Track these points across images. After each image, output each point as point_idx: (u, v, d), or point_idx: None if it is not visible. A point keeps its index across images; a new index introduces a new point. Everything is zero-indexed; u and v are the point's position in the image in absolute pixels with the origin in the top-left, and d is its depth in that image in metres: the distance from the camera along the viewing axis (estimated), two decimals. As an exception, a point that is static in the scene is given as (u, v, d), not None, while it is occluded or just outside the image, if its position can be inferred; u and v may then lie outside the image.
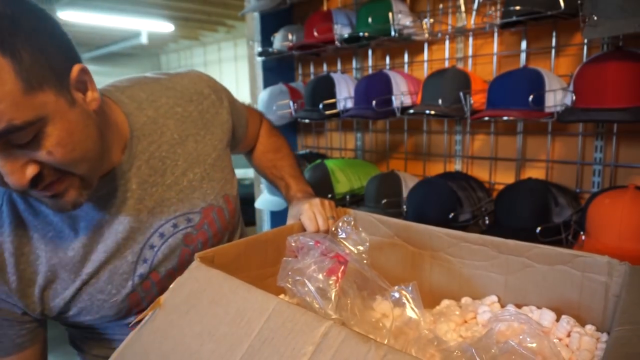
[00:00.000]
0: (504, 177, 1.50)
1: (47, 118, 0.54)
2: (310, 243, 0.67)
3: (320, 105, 1.64)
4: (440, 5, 1.56)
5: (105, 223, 0.70)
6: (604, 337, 0.61)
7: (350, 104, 1.65)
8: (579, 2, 1.10)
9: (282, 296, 0.67)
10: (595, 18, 1.01)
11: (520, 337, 0.54)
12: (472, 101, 1.32)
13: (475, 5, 1.36)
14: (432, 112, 1.34)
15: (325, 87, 1.68)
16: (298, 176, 0.99)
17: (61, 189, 0.59)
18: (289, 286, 0.61)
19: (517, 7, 1.18)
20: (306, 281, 0.60)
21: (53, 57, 0.55)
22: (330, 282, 0.61)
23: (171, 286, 0.64)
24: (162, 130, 0.76)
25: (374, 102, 1.48)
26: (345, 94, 1.67)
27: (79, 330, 0.79)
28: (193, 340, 0.57)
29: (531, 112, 1.18)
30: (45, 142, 0.54)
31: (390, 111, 1.50)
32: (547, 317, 0.67)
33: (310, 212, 0.83)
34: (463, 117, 1.33)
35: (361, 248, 0.69)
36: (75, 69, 0.59)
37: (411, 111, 1.40)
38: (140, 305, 0.75)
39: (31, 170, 0.55)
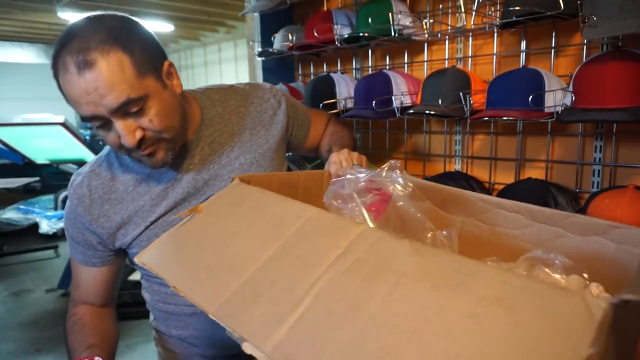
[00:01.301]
0: (503, 177, 1.50)
1: (149, 95, 0.78)
2: (361, 175, 0.69)
3: (320, 105, 1.64)
4: (440, 6, 1.56)
5: (170, 186, 0.92)
6: None
7: (350, 104, 1.66)
8: (578, 2, 1.10)
9: None
10: (595, 18, 1.01)
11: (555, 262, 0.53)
12: (472, 101, 1.32)
13: (475, 6, 1.36)
14: (432, 112, 1.34)
15: (325, 87, 1.68)
16: (343, 144, 1.10)
17: (154, 149, 0.82)
18: (335, 204, 0.63)
19: (517, 8, 1.18)
20: (356, 196, 0.61)
21: (153, 54, 0.80)
22: (370, 217, 0.62)
23: (211, 197, 0.71)
24: (226, 122, 0.98)
25: (373, 103, 1.48)
26: (345, 94, 1.67)
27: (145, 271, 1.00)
28: (228, 237, 0.60)
29: (531, 112, 1.18)
30: (148, 112, 0.78)
31: (390, 111, 1.50)
32: (575, 281, 0.64)
33: (336, 158, 0.94)
34: (463, 117, 1.33)
35: (404, 192, 0.71)
36: (166, 63, 0.84)
37: (411, 111, 1.41)
38: None
39: (139, 133, 0.78)
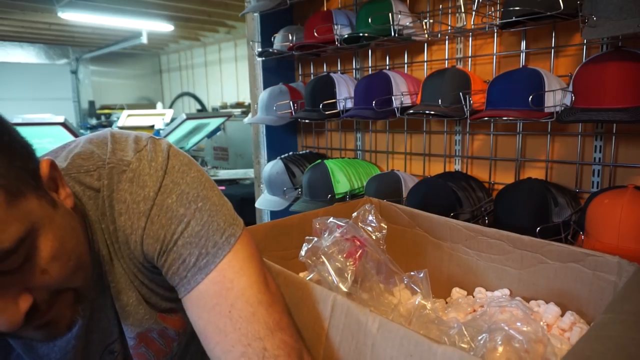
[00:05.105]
0: (503, 177, 1.50)
1: (36, 228, 0.43)
2: (333, 226, 0.72)
3: (320, 106, 1.64)
4: (440, 6, 1.56)
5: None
6: None
7: (350, 104, 1.66)
8: (578, 2, 1.10)
9: (302, 274, 0.70)
10: (595, 18, 1.02)
11: (518, 324, 0.57)
12: (472, 101, 1.32)
13: (475, 6, 1.36)
14: (432, 112, 1.34)
15: (325, 87, 1.68)
16: None
17: (54, 314, 0.47)
18: (309, 262, 0.66)
19: (517, 8, 1.18)
20: (324, 259, 0.65)
21: (21, 155, 0.44)
22: (349, 263, 0.65)
23: None
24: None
25: (373, 103, 1.48)
26: (345, 94, 1.67)
27: None
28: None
29: (531, 112, 1.18)
30: (38, 259, 0.43)
31: (390, 111, 1.50)
32: (551, 311, 0.69)
33: None
34: (463, 117, 1.33)
35: (379, 235, 0.75)
36: (44, 164, 0.48)
37: (411, 111, 1.41)
38: None
39: (25, 303, 0.43)
